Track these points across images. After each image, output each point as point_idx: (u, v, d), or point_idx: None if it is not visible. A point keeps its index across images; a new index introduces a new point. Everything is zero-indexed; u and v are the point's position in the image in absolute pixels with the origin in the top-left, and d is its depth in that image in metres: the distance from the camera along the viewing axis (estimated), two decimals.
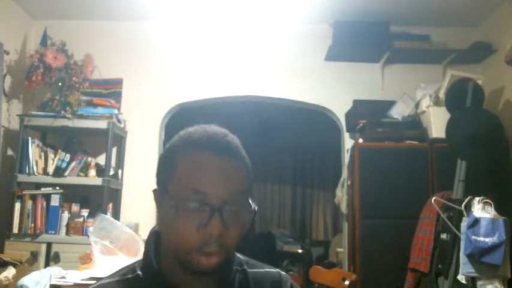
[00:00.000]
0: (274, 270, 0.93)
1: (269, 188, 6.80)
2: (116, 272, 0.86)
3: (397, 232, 2.81)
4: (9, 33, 3.26)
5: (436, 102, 3.06)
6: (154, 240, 0.84)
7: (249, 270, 0.89)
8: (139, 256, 2.21)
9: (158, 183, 0.82)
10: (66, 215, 3.05)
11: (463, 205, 2.34)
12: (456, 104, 2.77)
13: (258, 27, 3.61)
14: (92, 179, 3.10)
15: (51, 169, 3.06)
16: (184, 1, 3.28)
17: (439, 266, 2.42)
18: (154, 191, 0.82)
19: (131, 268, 0.85)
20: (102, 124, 3.12)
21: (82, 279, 1.90)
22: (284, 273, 0.94)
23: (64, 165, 3.07)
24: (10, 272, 2.37)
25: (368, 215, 2.91)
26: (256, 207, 0.79)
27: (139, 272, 0.83)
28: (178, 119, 3.74)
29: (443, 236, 2.43)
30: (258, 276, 0.89)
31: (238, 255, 0.90)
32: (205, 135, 0.79)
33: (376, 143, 3.04)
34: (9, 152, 3.25)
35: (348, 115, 3.44)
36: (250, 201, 0.78)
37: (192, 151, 0.77)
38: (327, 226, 6.69)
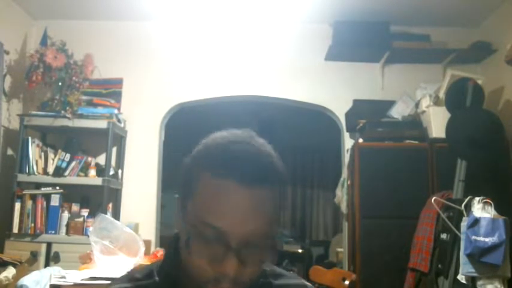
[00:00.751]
0: (300, 281, 0.87)
1: None
2: (129, 274, 0.81)
3: (397, 232, 2.82)
4: (9, 33, 3.25)
5: (436, 102, 3.06)
6: (174, 245, 0.76)
7: (274, 282, 0.82)
8: (139, 256, 2.21)
9: (179, 195, 0.74)
10: (66, 215, 3.05)
11: (463, 205, 2.34)
12: (456, 104, 2.77)
13: (258, 27, 3.61)
14: (92, 179, 3.10)
15: (51, 169, 3.06)
16: (184, 1, 3.28)
17: (439, 265, 2.42)
18: (178, 201, 0.76)
19: (147, 273, 0.79)
20: (102, 124, 3.12)
21: (82, 279, 1.90)
22: (310, 284, 0.88)
23: (64, 165, 3.07)
24: (10, 272, 2.37)
25: (368, 215, 2.91)
26: (281, 246, 0.71)
27: (156, 278, 0.77)
28: (178, 119, 3.75)
29: (443, 236, 2.43)
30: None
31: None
32: (233, 153, 0.67)
33: (376, 143, 3.04)
34: (9, 152, 3.25)
35: (348, 115, 3.44)
36: (274, 236, 0.69)
37: (214, 176, 0.66)
38: (327, 226, 6.69)
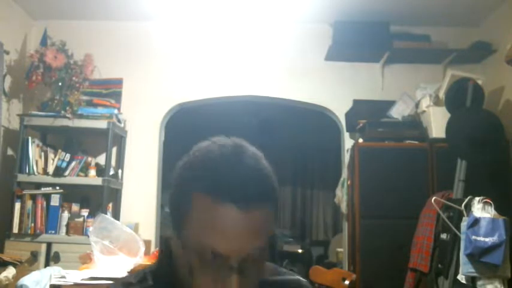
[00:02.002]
0: (295, 277, 0.88)
1: None
2: (124, 279, 0.81)
3: (397, 232, 2.82)
4: (9, 33, 3.25)
5: (436, 102, 3.06)
6: (166, 249, 0.78)
7: (269, 278, 0.83)
8: (139, 256, 2.21)
9: (171, 218, 0.72)
10: (66, 215, 3.05)
11: (463, 205, 2.34)
12: (456, 104, 2.77)
13: (257, 27, 3.61)
14: (92, 179, 3.10)
15: (51, 169, 3.06)
16: (184, 1, 3.28)
17: (439, 265, 2.42)
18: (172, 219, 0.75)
19: (141, 277, 0.79)
20: (102, 124, 3.12)
21: (82, 279, 1.90)
22: (305, 280, 0.89)
23: (64, 165, 3.07)
24: (10, 272, 2.37)
25: (368, 215, 2.91)
26: (282, 245, 0.72)
27: (150, 282, 0.77)
28: (178, 119, 3.75)
29: (443, 236, 2.43)
30: (277, 285, 0.84)
31: None
32: (225, 175, 0.65)
33: (376, 143, 3.04)
34: (9, 152, 3.25)
35: (348, 115, 3.43)
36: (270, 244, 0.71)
37: (208, 200, 0.65)
38: (327, 226, 6.68)
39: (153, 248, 3.16)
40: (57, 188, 3.05)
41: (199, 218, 0.66)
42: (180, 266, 0.73)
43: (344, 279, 2.26)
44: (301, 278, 0.88)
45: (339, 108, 3.51)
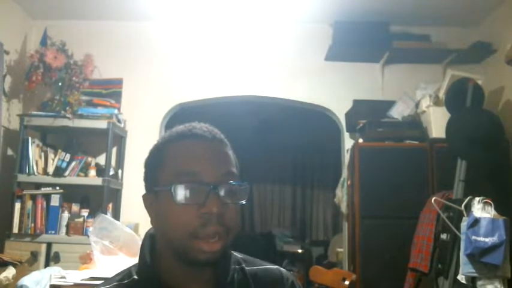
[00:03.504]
0: (274, 266, 0.91)
1: (269, 188, 6.79)
2: (112, 278, 0.84)
3: (397, 232, 2.82)
4: (9, 33, 3.25)
5: (436, 102, 3.07)
6: (150, 243, 0.83)
7: (247, 268, 0.86)
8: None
9: (147, 185, 0.83)
10: (66, 215, 3.05)
11: (463, 205, 2.34)
12: (456, 104, 2.77)
13: (257, 27, 3.61)
14: (92, 179, 3.10)
15: (51, 169, 3.06)
16: (184, 1, 3.28)
17: (439, 266, 2.42)
18: (144, 196, 0.83)
19: (127, 273, 0.83)
20: (102, 124, 3.12)
21: (82, 279, 1.90)
22: (284, 270, 0.91)
23: (64, 165, 3.07)
24: (10, 272, 2.37)
25: (368, 215, 2.91)
26: (247, 187, 0.79)
27: (135, 277, 0.81)
28: (178, 119, 3.73)
29: (443, 236, 2.43)
30: (258, 274, 0.87)
31: (235, 253, 0.88)
32: (188, 127, 0.81)
33: (376, 143, 3.04)
34: (9, 152, 3.25)
35: (348, 115, 3.44)
36: (243, 182, 0.79)
37: (177, 141, 0.79)
38: (327, 226, 6.68)
39: None
40: (57, 188, 3.04)
41: (172, 155, 0.78)
42: (161, 255, 0.79)
43: (344, 279, 2.27)
44: (281, 268, 0.92)
45: (339, 108, 3.51)
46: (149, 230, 0.85)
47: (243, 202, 0.78)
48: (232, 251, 0.87)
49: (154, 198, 0.79)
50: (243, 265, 0.87)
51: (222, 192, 0.75)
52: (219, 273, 0.80)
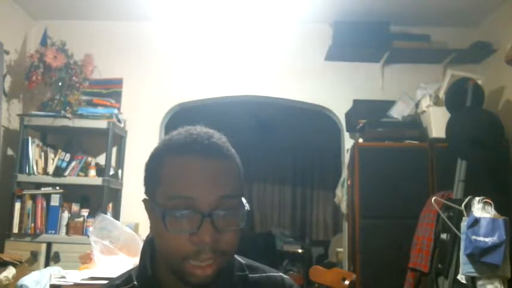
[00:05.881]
0: (277, 274, 0.89)
1: (269, 188, 6.80)
2: (110, 281, 0.84)
3: (397, 232, 2.82)
4: (9, 33, 3.25)
5: (436, 102, 3.07)
6: (150, 248, 0.81)
7: (250, 275, 0.85)
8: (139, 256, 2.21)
9: (146, 192, 0.80)
10: (66, 215, 3.05)
11: (463, 205, 2.34)
12: (456, 104, 2.77)
13: (257, 27, 3.61)
14: (92, 179, 3.10)
15: (51, 169, 3.06)
16: (184, 1, 3.28)
17: (439, 265, 2.42)
18: (144, 200, 0.81)
19: (127, 278, 0.82)
20: (102, 124, 3.12)
21: (82, 279, 1.90)
22: (287, 277, 0.90)
23: (64, 165, 3.07)
24: (10, 272, 2.37)
25: (368, 215, 2.91)
26: (248, 208, 0.75)
27: (135, 283, 0.80)
28: (178, 119, 3.75)
29: (443, 235, 2.43)
30: (259, 282, 0.85)
31: (239, 258, 0.87)
32: (188, 138, 0.75)
33: (376, 143, 3.04)
34: (9, 152, 3.25)
35: (348, 115, 3.44)
36: (243, 202, 0.75)
37: (176, 156, 0.74)
38: (327, 226, 6.69)
39: None
40: (57, 188, 3.04)
41: (169, 173, 0.73)
42: (161, 246, 0.76)
43: (344, 279, 2.27)
44: (284, 275, 0.90)
45: (339, 108, 3.51)
46: (149, 233, 0.84)
47: (242, 226, 0.74)
48: (236, 256, 0.85)
49: (152, 209, 0.77)
50: (246, 272, 0.85)
51: (217, 220, 0.70)
52: (220, 281, 0.78)
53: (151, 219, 0.77)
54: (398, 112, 3.23)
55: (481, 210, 2.27)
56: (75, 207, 3.10)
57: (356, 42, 3.36)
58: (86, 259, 2.30)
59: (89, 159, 3.19)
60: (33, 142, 3.06)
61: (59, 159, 3.07)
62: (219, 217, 0.71)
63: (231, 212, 0.72)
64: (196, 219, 0.70)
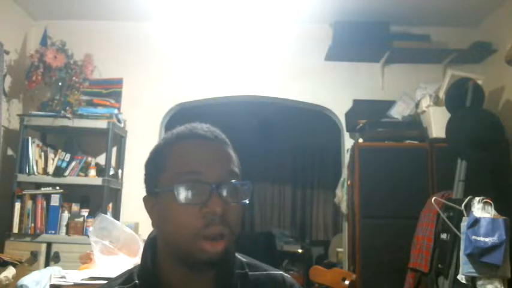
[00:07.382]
0: (278, 272, 0.89)
1: (269, 188, 6.79)
2: (113, 280, 0.84)
3: (397, 232, 2.82)
4: (9, 33, 3.25)
5: (436, 102, 3.07)
6: (152, 247, 0.82)
7: (250, 273, 0.85)
8: (139, 256, 2.21)
9: (148, 187, 0.83)
10: (66, 215, 3.05)
11: (463, 205, 2.34)
12: (456, 104, 2.77)
13: (258, 27, 3.61)
14: (92, 178, 3.10)
15: (51, 169, 3.06)
16: (184, 1, 3.28)
17: (439, 265, 2.42)
18: (145, 198, 0.82)
19: (128, 276, 0.83)
20: (102, 124, 3.12)
21: (82, 279, 1.90)
22: (288, 276, 0.90)
23: (64, 165, 3.07)
24: (10, 272, 2.37)
25: (368, 215, 2.91)
26: (251, 187, 0.79)
27: (136, 281, 0.81)
28: (178, 119, 3.74)
29: (443, 236, 2.43)
30: (260, 279, 0.86)
31: (240, 257, 0.87)
32: (188, 127, 0.81)
33: (376, 143, 3.04)
34: (9, 152, 3.25)
35: (348, 115, 3.44)
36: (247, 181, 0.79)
37: (180, 141, 0.79)
38: (327, 226, 6.68)
39: None
40: (57, 188, 3.04)
41: (175, 157, 0.77)
42: (161, 257, 0.79)
43: (344, 279, 2.27)
44: (284, 274, 0.91)
45: (339, 108, 3.51)
46: (151, 233, 0.85)
47: (246, 201, 0.78)
48: (237, 254, 0.86)
49: (155, 200, 0.79)
50: (247, 270, 0.86)
51: (224, 192, 0.74)
52: (220, 278, 0.79)
53: (155, 210, 0.79)
54: (399, 112, 3.23)
55: (481, 210, 2.27)
56: (75, 207, 3.10)
57: (356, 42, 3.36)
58: (86, 259, 2.30)
59: (89, 159, 3.19)
60: (33, 142, 3.06)
61: (59, 159, 3.08)
62: (227, 190, 0.75)
63: (236, 186, 0.76)
64: (205, 192, 0.73)
